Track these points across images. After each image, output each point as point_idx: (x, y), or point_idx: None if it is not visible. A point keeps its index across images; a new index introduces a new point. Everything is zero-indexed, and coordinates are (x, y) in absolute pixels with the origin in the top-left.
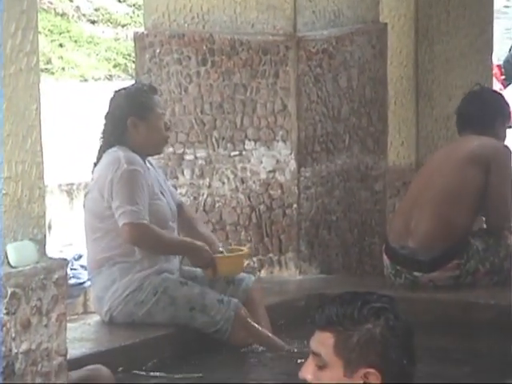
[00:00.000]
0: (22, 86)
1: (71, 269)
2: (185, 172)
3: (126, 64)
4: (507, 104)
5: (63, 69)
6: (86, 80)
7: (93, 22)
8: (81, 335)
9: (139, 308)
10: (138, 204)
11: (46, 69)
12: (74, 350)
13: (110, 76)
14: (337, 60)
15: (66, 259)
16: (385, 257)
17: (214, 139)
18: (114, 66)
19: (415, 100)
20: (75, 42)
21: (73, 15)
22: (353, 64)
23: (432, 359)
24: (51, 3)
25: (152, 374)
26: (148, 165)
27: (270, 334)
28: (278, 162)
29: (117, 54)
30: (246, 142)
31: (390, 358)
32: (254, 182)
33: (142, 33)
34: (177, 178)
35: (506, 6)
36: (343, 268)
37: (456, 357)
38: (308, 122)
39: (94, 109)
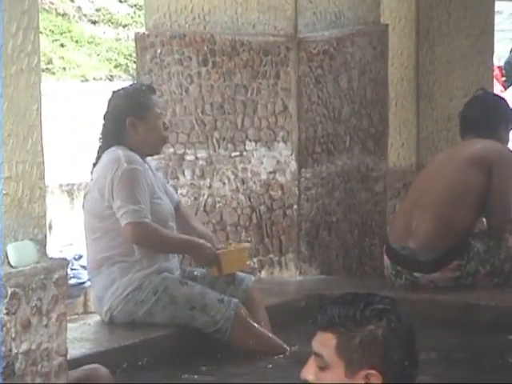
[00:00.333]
0: (23, 86)
1: (71, 269)
2: (185, 172)
3: (127, 64)
4: (510, 108)
5: (64, 69)
6: (86, 80)
7: (94, 23)
8: (81, 335)
9: (139, 307)
10: (139, 203)
11: (47, 69)
12: (74, 350)
13: (111, 76)
14: (338, 61)
15: (66, 259)
16: (385, 257)
17: (214, 140)
18: (115, 67)
19: (416, 101)
20: (76, 42)
21: (74, 15)
22: (353, 65)
23: (432, 360)
24: (52, 3)
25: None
26: (146, 165)
27: (270, 335)
28: (278, 162)
29: (118, 54)
30: (247, 142)
31: (392, 359)
32: (254, 183)
33: (143, 33)
34: (177, 178)
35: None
36: (343, 269)
37: (456, 357)
38: (309, 122)
39: (95, 109)
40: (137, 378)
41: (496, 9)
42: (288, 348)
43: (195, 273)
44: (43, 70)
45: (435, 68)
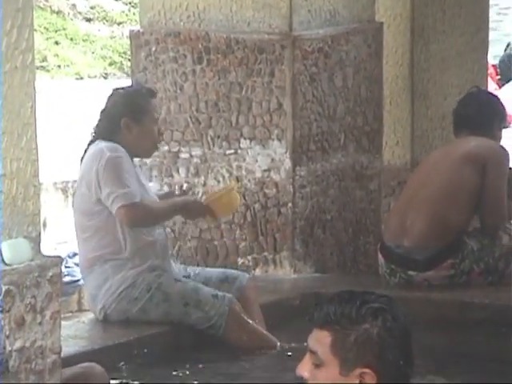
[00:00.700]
0: (18, 84)
1: (66, 267)
2: (180, 170)
3: (121, 62)
4: (503, 106)
5: (59, 66)
6: (81, 78)
7: (88, 20)
8: (75, 333)
9: (133, 305)
10: (127, 186)
11: (42, 66)
12: (68, 348)
13: (106, 74)
14: (332, 59)
15: (60, 257)
16: (380, 256)
17: (209, 138)
18: (110, 64)
19: (410, 99)
20: (71, 39)
21: (68, 13)
22: (348, 63)
23: (427, 358)
24: (47, 1)
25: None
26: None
27: (264, 331)
28: (273, 160)
29: (112, 52)
30: (242, 140)
31: (387, 358)
32: (249, 181)
33: (138, 31)
34: (172, 176)
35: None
36: (338, 267)
37: (451, 356)
38: (303, 120)
39: (90, 106)
40: (131, 375)
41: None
42: (282, 345)
43: (188, 270)
44: (38, 68)
45: (430, 66)
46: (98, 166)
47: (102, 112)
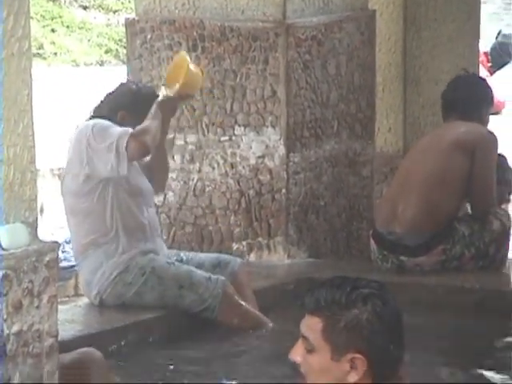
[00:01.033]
0: (14, 71)
1: (62, 252)
2: (175, 157)
3: (117, 49)
4: (491, 89)
5: (55, 54)
6: (77, 65)
7: (85, 8)
8: (72, 317)
9: (128, 289)
10: (119, 129)
11: (38, 54)
12: (65, 332)
13: (102, 61)
14: (326, 47)
15: (57, 242)
16: (372, 242)
17: (204, 124)
18: (106, 52)
19: (403, 86)
20: (67, 27)
21: (65, 1)
22: (341, 51)
23: (417, 342)
24: None
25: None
26: None
27: (257, 312)
28: (267, 147)
29: (108, 39)
30: (236, 127)
31: (377, 343)
32: (243, 167)
33: (134, 19)
34: None
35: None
36: (331, 252)
37: (443, 340)
38: (297, 107)
39: (86, 93)
40: (128, 359)
41: None
42: (274, 326)
43: (181, 255)
44: (34, 55)
45: (422, 53)
46: (87, 137)
47: (107, 95)
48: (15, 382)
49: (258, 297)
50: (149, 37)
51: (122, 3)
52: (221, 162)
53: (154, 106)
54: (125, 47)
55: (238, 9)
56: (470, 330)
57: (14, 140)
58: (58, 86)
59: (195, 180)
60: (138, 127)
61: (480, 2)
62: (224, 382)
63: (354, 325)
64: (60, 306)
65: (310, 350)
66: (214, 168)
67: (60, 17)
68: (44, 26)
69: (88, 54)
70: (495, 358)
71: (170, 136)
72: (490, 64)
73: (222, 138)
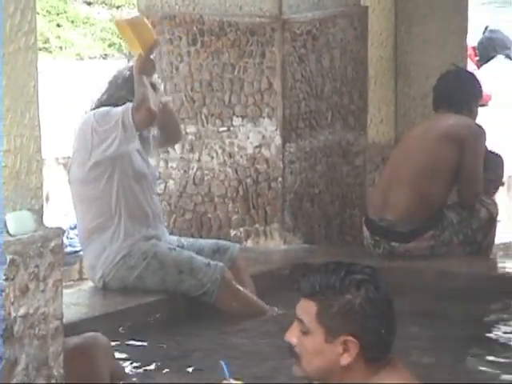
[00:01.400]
0: (21, 64)
1: (67, 238)
2: (176, 146)
3: (120, 43)
4: (479, 83)
5: (60, 48)
6: (82, 59)
7: (89, 4)
8: (76, 300)
9: (130, 273)
10: (120, 108)
11: (44, 48)
12: (70, 315)
13: (105, 55)
14: (320, 41)
15: (61, 228)
16: (364, 228)
17: (203, 116)
18: (109, 46)
19: (394, 79)
20: (72, 22)
21: None
22: (335, 45)
23: (407, 325)
24: None
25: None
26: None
27: (254, 297)
28: (264, 137)
29: (111, 34)
30: (234, 118)
31: (369, 327)
32: (241, 157)
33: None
34: (168, 152)
35: None
36: (325, 238)
37: (431, 322)
38: (292, 99)
39: (90, 85)
40: (131, 341)
41: None
42: (272, 311)
43: (182, 241)
44: (40, 49)
45: (412, 47)
46: (91, 127)
47: (106, 86)
48: (22, 362)
49: (255, 281)
50: None
51: None
52: (219, 151)
53: (135, 76)
54: None
55: (236, 4)
56: (457, 311)
57: (20, 130)
58: (63, 78)
59: (195, 169)
60: (135, 99)
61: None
62: (222, 363)
63: (348, 309)
64: (65, 290)
65: (305, 332)
66: (212, 157)
67: (65, 12)
68: (50, 21)
69: (92, 47)
70: (479, 339)
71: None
72: (477, 58)
73: (221, 129)
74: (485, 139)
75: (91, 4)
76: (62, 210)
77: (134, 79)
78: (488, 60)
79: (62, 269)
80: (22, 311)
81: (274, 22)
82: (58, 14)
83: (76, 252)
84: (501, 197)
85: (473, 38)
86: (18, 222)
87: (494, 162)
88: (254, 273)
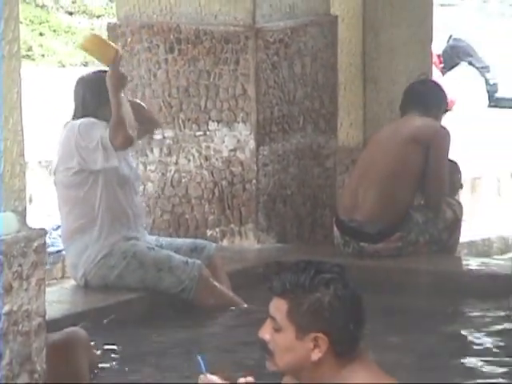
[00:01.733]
0: (5, 71)
1: (50, 238)
2: (154, 150)
3: None
4: (445, 94)
5: (43, 55)
6: (63, 66)
7: (70, 13)
8: (59, 298)
9: (111, 271)
10: (101, 128)
11: (27, 55)
12: (53, 312)
13: (86, 62)
14: (292, 49)
15: (44, 229)
16: (335, 228)
17: (180, 120)
18: None
19: (363, 85)
20: (54, 31)
21: (52, 7)
22: (306, 53)
23: (376, 320)
24: None
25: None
26: None
27: (230, 293)
28: (238, 141)
29: None
30: (210, 123)
31: (338, 323)
32: (216, 160)
33: (115, 23)
34: (146, 155)
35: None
36: (297, 237)
37: (399, 319)
38: (266, 105)
39: (71, 92)
40: (111, 337)
41: None
42: (247, 306)
43: (161, 240)
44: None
45: (380, 55)
46: (74, 136)
47: (75, 102)
48: (6, 357)
49: (230, 278)
50: (129, 40)
51: (105, 9)
52: (196, 154)
53: (110, 92)
54: None
55: (212, 14)
56: (423, 306)
57: (4, 135)
58: (45, 85)
59: (172, 171)
60: (111, 124)
61: (432, 9)
62: (199, 358)
63: (317, 307)
64: (47, 288)
65: (277, 330)
66: (189, 160)
67: (47, 21)
68: (33, 30)
69: (73, 55)
70: (443, 333)
71: None
72: (442, 65)
73: (197, 133)
74: (449, 141)
75: (72, 14)
76: (45, 211)
77: (109, 95)
78: (452, 67)
79: (45, 268)
80: (6, 308)
81: (247, 31)
82: (40, 24)
83: (58, 251)
84: (465, 197)
85: (438, 47)
86: (2, 223)
87: (452, 167)
88: (230, 270)
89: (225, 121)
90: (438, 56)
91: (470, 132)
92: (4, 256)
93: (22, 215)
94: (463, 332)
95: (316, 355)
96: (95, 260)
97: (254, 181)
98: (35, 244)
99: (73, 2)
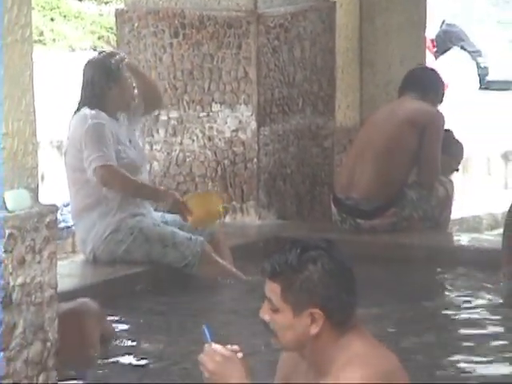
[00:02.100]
0: (17, 55)
1: (61, 214)
2: (159, 131)
3: (108, 36)
4: (442, 82)
5: (54, 40)
6: (73, 50)
7: (80, 0)
8: (69, 271)
9: (118, 246)
10: (104, 151)
11: (39, 40)
12: (64, 285)
13: (95, 47)
14: (292, 33)
15: (55, 205)
16: (332, 206)
17: (185, 102)
18: (98, 38)
19: (359, 68)
20: (64, 16)
21: None
22: (306, 37)
23: (370, 292)
24: None
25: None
26: (122, 120)
27: (232, 268)
28: (240, 122)
29: (100, 27)
30: (213, 104)
31: (330, 296)
32: (219, 140)
33: (123, 9)
34: (152, 136)
35: None
36: (297, 214)
37: (394, 290)
38: (267, 87)
39: (81, 75)
40: (120, 308)
41: None
42: (248, 280)
43: (166, 217)
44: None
45: (376, 39)
46: (81, 130)
47: (83, 84)
48: (20, 326)
49: (233, 253)
50: (136, 25)
51: None
52: (200, 135)
53: (160, 190)
54: (115, 34)
55: (215, 0)
56: (416, 279)
57: (17, 115)
58: (56, 68)
59: (177, 151)
60: (123, 173)
61: None
62: (204, 328)
63: (308, 285)
64: (59, 262)
65: (275, 310)
66: (193, 141)
67: (58, 7)
68: (44, 16)
69: (83, 40)
70: (435, 306)
71: (155, 112)
72: (435, 49)
73: (201, 114)
74: (444, 124)
75: (82, 0)
76: (56, 188)
77: (151, 188)
78: (445, 51)
79: (56, 242)
80: (19, 280)
81: (249, 16)
82: (51, 9)
83: (69, 227)
84: (457, 176)
85: (431, 31)
86: (16, 200)
87: (456, 148)
88: (232, 245)
89: (227, 102)
90: (432, 40)
91: (461, 114)
92: (18, 231)
93: (34, 192)
94: (454, 302)
95: (314, 329)
96: (103, 236)
97: (255, 160)
98: (47, 219)
99: None
